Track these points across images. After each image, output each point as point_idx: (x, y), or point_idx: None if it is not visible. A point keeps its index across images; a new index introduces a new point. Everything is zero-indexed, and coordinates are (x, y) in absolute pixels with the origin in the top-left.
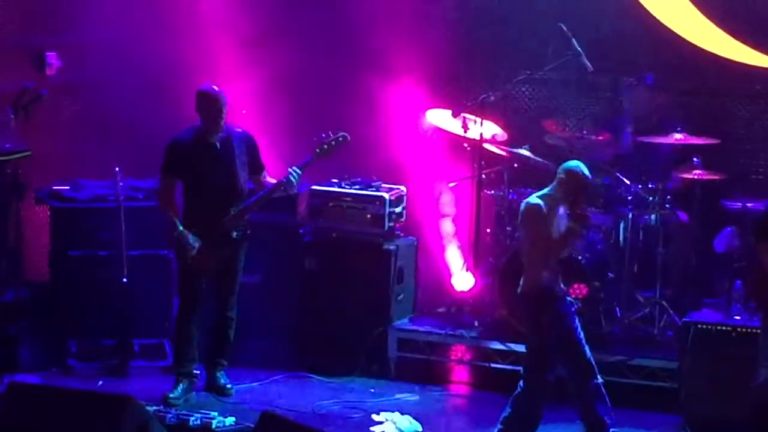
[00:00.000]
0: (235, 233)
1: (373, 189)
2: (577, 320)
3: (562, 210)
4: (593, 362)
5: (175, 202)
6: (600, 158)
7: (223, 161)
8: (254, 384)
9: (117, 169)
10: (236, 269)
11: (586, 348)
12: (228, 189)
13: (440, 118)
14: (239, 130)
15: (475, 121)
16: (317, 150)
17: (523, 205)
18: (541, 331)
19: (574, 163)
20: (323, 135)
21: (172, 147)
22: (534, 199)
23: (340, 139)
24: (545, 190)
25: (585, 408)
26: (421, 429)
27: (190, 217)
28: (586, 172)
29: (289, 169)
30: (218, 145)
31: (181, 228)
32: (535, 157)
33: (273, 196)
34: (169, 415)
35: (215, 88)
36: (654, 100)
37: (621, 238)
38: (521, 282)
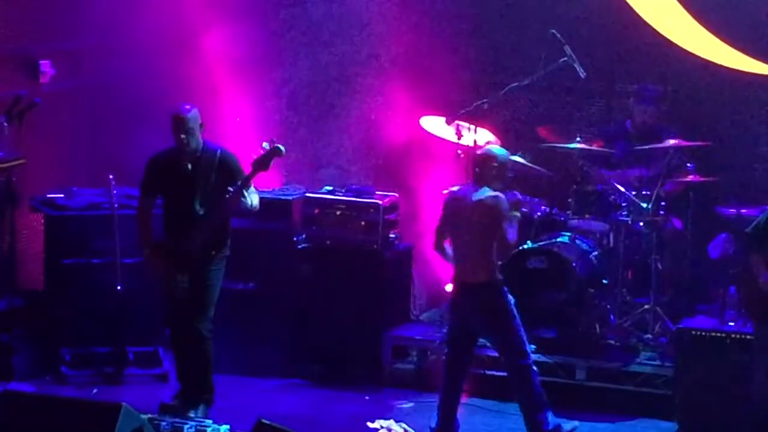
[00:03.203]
0: (197, 254)
1: (368, 196)
2: None
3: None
4: None
5: (150, 219)
6: (594, 165)
7: (192, 183)
8: (248, 391)
9: (111, 176)
10: (204, 285)
11: None
12: (193, 211)
13: (434, 124)
14: (219, 150)
15: (469, 128)
16: (253, 164)
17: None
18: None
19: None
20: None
21: (148, 166)
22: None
23: (275, 150)
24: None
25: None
26: None
27: (165, 235)
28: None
29: (228, 188)
30: (190, 166)
31: (147, 249)
32: (529, 164)
33: (226, 213)
34: (164, 423)
35: (181, 108)
36: (648, 106)
37: (615, 244)
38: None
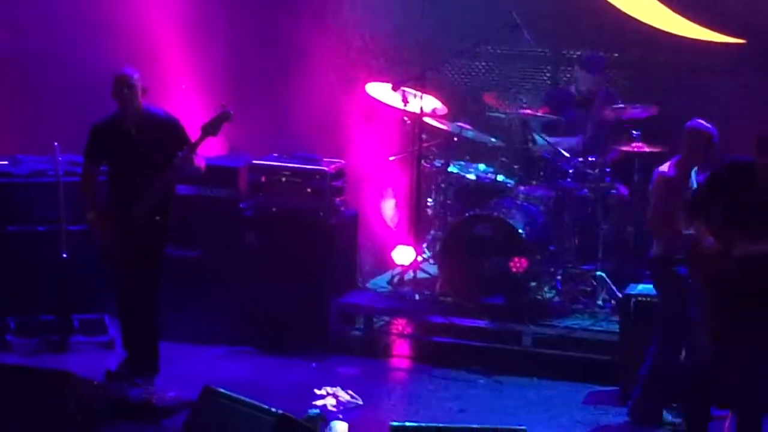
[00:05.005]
0: (142, 219)
1: (314, 163)
2: None
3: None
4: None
5: (95, 186)
6: (540, 132)
7: (135, 147)
8: (195, 359)
9: (56, 144)
10: (149, 251)
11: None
12: (139, 176)
13: (380, 91)
14: (161, 114)
15: (415, 95)
16: (203, 128)
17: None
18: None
19: (692, 122)
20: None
21: (92, 132)
22: (663, 167)
23: (224, 115)
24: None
25: None
26: (362, 402)
27: (110, 202)
28: (705, 126)
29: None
30: (133, 131)
31: (92, 214)
32: (476, 131)
33: (173, 177)
34: (110, 390)
35: (122, 70)
36: (593, 73)
37: (561, 211)
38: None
